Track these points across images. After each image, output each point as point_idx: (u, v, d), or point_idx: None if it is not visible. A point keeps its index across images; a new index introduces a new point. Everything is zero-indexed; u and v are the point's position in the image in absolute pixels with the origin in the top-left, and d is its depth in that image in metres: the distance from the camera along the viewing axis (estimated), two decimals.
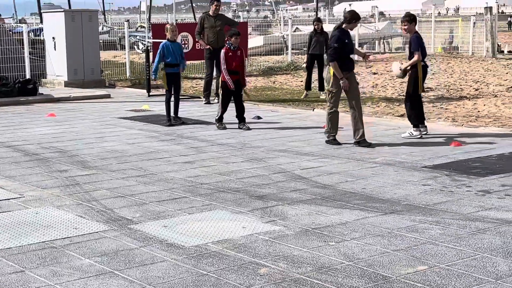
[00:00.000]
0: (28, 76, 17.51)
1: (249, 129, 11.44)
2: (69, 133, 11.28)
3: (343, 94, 10.15)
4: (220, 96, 11.90)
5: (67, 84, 17.73)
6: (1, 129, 11.68)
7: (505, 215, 6.28)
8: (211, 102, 14.95)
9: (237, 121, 11.64)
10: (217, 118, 11.73)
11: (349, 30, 10.19)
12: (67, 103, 15.30)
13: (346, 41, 10.04)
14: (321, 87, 16.21)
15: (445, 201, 6.79)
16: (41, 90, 16.51)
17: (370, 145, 9.77)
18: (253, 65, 24.14)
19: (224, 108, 11.65)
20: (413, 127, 10.46)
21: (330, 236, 5.77)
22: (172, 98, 12.10)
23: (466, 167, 8.32)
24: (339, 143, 9.94)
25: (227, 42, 11.71)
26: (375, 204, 6.74)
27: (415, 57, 10.27)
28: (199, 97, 15.70)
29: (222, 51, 11.62)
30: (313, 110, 13.60)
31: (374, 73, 21.47)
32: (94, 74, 18.26)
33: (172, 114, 12.08)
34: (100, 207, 6.78)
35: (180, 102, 12.38)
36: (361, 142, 9.84)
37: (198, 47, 19.76)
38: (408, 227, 5.98)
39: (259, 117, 12.57)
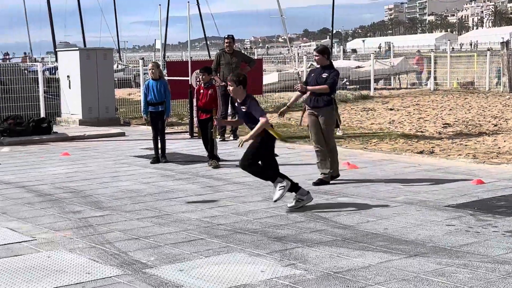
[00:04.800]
0: (42, 115, 17.47)
1: (216, 167, 11.26)
2: (83, 172, 11.12)
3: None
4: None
5: (81, 123, 17.66)
6: (14, 169, 11.55)
7: None
8: (226, 139, 14.81)
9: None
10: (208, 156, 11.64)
11: (318, 65, 9.81)
12: (81, 142, 15.20)
13: (312, 75, 9.73)
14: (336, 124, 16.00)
15: (471, 242, 6.52)
16: (55, 128, 16.43)
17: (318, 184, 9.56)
18: (268, 101, 24.04)
19: (204, 146, 11.60)
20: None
21: (353, 281, 5.51)
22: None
23: (490, 206, 8.04)
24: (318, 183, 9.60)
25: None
26: (398, 246, 6.48)
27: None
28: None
29: (196, 88, 11.69)
30: None
31: (391, 109, 21.29)
32: (109, 112, 18.20)
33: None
34: (113, 250, 6.57)
35: (166, 140, 12.43)
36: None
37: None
38: (435, 270, 5.72)
39: (275, 155, 12.34)
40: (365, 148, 13.25)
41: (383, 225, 7.27)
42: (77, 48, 19.46)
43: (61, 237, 7.06)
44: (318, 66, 9.79)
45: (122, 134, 16.19)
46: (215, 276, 5.73)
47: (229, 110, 15.19)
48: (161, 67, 12.50)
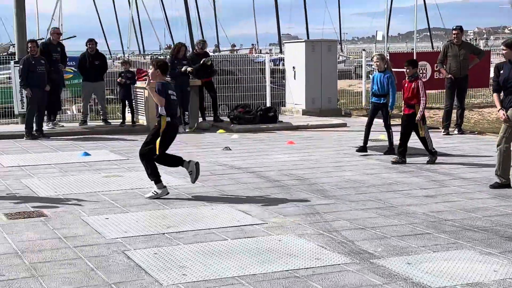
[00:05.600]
0: (268, 104, 18.13)
1: (431, 162, 10.85)
2: (307, 161, 11.41)
3: None
4: None
5: (304, 113, 18.08)
6: (244, 155, 12.12)
7: None
8: (451, 133, 14.42)
9: (474, 154, 11.29)
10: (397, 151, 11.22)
11: (506, 59, 9.03)
12: (304, 131, 15.58)
13: (501, 71, 8.97)
14: None
15: None
16: (280, 117, 16.97)
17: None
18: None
19: (401, 142, 11.12)
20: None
21: None
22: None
23: None
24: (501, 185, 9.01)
25: None
26: None
27: None
28: (438, 128, 15.19)
29: (403, 81, 11.20)
30: None
31: None
32: (331, 103, 18.45)
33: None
34: (340, 238, 6.69)
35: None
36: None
37: (436, 76, 19.23)
38: None
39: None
40: None
41: None
42: (303, 40, 19.93)
43: (290, 222, 7.32)
44: (506, 60, 9.06)
45: (344, 125, 16.35)
46: (444, 271, 5.63)
47: (455, 103, 14.77)
48: (387, 59, 12.41)
